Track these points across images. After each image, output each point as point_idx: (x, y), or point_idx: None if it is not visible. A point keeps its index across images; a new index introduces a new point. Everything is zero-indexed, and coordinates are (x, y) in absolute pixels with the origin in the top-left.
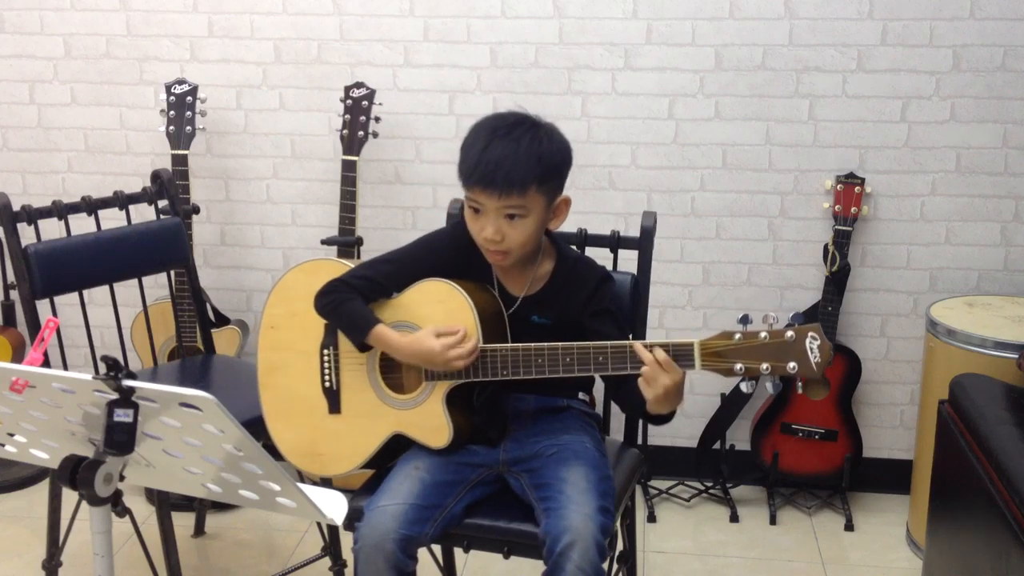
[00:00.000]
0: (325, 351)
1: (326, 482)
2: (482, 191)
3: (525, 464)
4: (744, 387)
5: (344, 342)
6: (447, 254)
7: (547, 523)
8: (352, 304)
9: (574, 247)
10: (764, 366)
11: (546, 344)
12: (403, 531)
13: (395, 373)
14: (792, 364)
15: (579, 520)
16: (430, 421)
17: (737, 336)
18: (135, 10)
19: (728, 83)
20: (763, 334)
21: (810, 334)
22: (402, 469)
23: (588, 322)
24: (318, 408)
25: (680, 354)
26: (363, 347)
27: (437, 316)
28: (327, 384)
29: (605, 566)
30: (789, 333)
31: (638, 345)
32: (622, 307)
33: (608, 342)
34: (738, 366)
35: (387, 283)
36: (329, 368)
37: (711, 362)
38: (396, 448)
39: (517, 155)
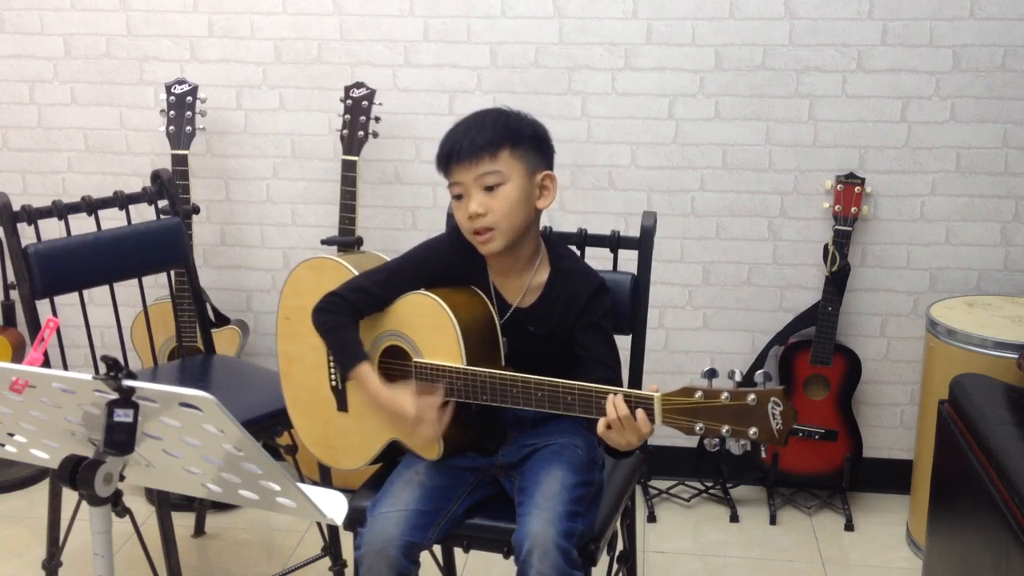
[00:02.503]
0: (342, 378)
1: (326, 482)
2: (456, 165)
3: (518, 468)
4: (707, 444)
5: None
6: (444, 261)
7: (516, 530)
8: (345, 332)
9: (575, 251)
10: (725, 428)
11: (520, 376)
12: (406, 537)
13: (393, 382)
14: (753, 429)
15: (539, 526)
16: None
17: (698, 394)
18: (135, 10)
19: (728, 83)
20: (724, 395)
21: (772, 399)
22: (402, 474)
23: (579, 335)
24: (329, 404)
25: (641, 406)
26: (347, 378)
27: (423, 329)
28: (333, 383)
29: (602, 566)
30: (751, 396)
31: (609, 398)
32: (618, 309)
33: (576, 383)
34: (699, 426)
35: (383, 293)
36: (335, 368)
37: (672, 418)
38: (400, 448)
39: (483, 124)
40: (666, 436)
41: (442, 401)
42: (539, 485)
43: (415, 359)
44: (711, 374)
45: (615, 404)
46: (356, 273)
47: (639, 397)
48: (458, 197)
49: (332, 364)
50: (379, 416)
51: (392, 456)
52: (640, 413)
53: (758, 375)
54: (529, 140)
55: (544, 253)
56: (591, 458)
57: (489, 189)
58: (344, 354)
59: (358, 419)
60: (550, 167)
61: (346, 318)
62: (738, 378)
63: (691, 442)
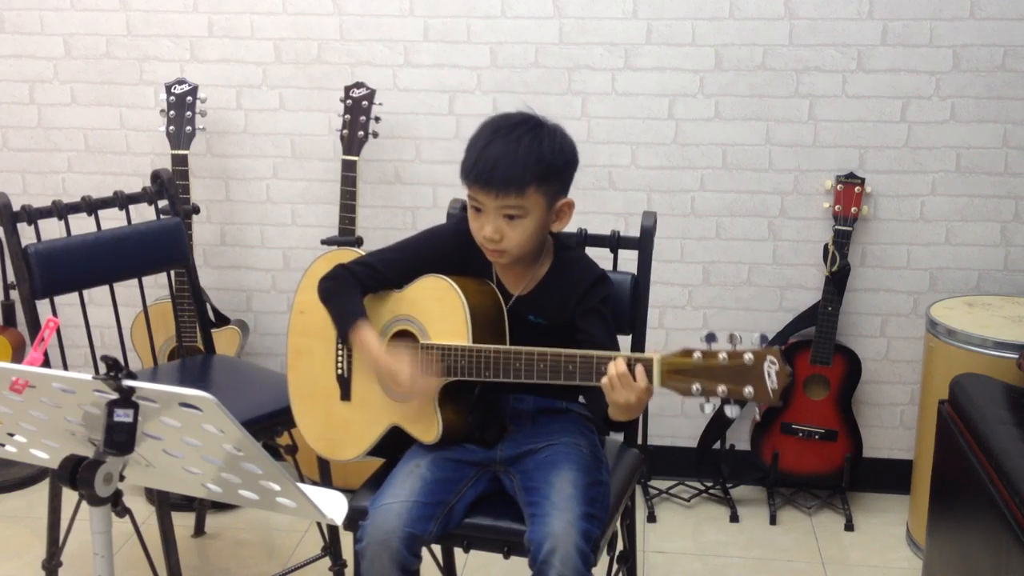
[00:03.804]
0: (340, 340)
1: (326, 482)
2: (480, 190)
3: (519, 464)
4: (705, 408)
5: None
6: (449, 248)
7: (531, 529)
8: (347, 296)
9: (576, 246)
10: (721, 388)
11: (524, 349)
12: (408, 528)
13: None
14: (748, 388)
15: (560, 527)
16: (422, 416)
17: (697, 355)
18: (135, 10)
19: (728, 83)
20: (722, 355)
21: (768, 358)
22: (403, 468)
23: (577, 321)
24: (332, 394)
25: (640, 363)
26: (346, 339)
27: (434, 312)
28: (339, 371)
29: (602, 566)
30: (748, 356)
31: (606, 357)
32: (618, 308)
33: (578, 351)
34: (695, 386)
35: (388, 272)
36: (342, 356)
37: (670, 380)
38: (400, 440)
39: (516, 154)
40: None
41: (435, 383)
42: (552, 486)
43: (421, 341)
44: (710, 338)
45: (615, 364)
46: None
47: (639, 359)
48: (476, 208)
49: (340, 352)
50: (380, 396)
51: (391, 445)
52: (639, 370)
53: (755, 336)
54: (557, 172)
55: (549, 246)
56: (595, 455)
57: (509, 217)
58: (344, 317)
59: (360, 408)
60: (568, 189)
61: (350, 287)
62: (738, 339)
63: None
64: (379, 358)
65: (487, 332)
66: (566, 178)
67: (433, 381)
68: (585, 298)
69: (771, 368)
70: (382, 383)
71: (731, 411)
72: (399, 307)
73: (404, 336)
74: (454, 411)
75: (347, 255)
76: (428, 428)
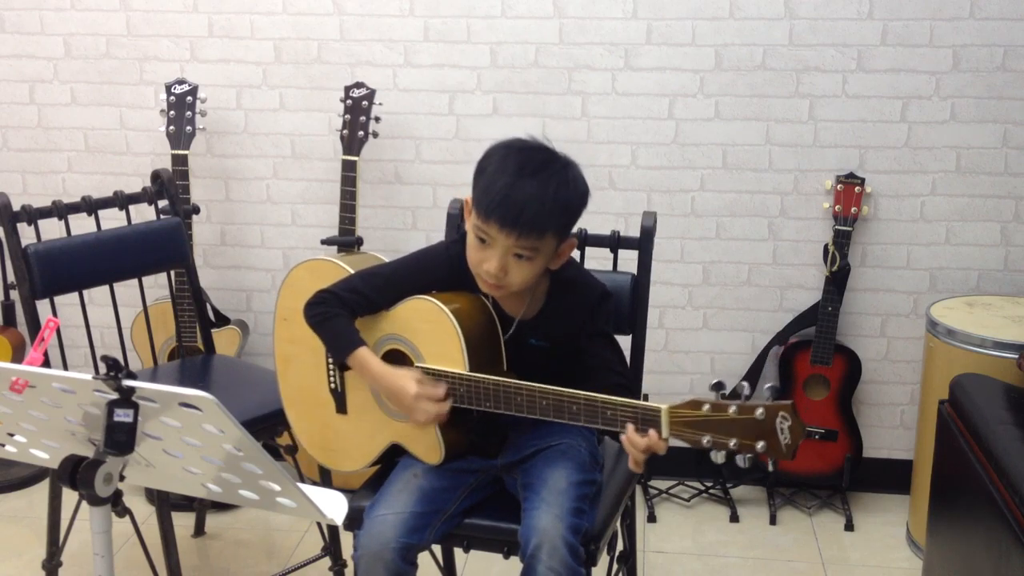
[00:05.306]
0: (335, 366)
1: (326, 482)
2: (500, 228)
3: (520, 465)
4: (714, 457)
5: None
6: (441, 272)
7: (522, 525)
8: (338, 320)
9: (574, 258)
10: (732, 442)
11: (524, 384)
12: (402, 539)
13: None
14: (761, 444)
15: (548, 521)
16: (424, 438)
17: (706, 407)
18: (135, 10)
19: (728, 83)
20: (732, 408)
21: (781, 413)
22: (401, 476)
23: (585, 343)
24: (328, 406)
25: (648, 419)
26: (343, 367)
27: (427, 334)
28: (332, 385)
29: (602, 566)
30: (759, 410)
31: (611, 404)
32: (618, 308)
33: (582, 393)
34: (706, 439)
35: (377, 298)
36: (333, 370)
37: (679, 431)
38: (401, 450)
39: (544, 199)
40: None
41: (443, 394)
42: (545, 482)
43: (416, 364)
44: (718, 386)
45: (626, 437)
46: None
47: (646, 411)
48: (481, 239)
49: (331, 365)
50: (378, 413)
51: (392, 454)
52: (652, 433)
53: (765, 389)
54: (576, 218)
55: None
56: (593, 457)
57: (517, 256)
58: (339, 342)
59: (357, 421)
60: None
61: (340, 310)
62: (746, 391)
63: None
64: (381, 377)
65: (483, 355)
66: (577, 220)
67: (436, 396)
68: (592, 320)
69: (783, 424)
70: (382, 401)
71: (742, 461)
72: (390, 326)
73: (395, 356)
74: (455, 431)
75: (328, 268)
76: (431, 450)
